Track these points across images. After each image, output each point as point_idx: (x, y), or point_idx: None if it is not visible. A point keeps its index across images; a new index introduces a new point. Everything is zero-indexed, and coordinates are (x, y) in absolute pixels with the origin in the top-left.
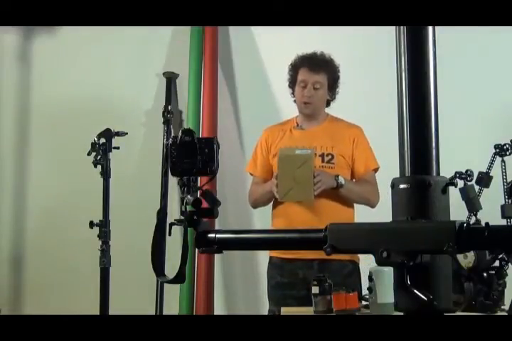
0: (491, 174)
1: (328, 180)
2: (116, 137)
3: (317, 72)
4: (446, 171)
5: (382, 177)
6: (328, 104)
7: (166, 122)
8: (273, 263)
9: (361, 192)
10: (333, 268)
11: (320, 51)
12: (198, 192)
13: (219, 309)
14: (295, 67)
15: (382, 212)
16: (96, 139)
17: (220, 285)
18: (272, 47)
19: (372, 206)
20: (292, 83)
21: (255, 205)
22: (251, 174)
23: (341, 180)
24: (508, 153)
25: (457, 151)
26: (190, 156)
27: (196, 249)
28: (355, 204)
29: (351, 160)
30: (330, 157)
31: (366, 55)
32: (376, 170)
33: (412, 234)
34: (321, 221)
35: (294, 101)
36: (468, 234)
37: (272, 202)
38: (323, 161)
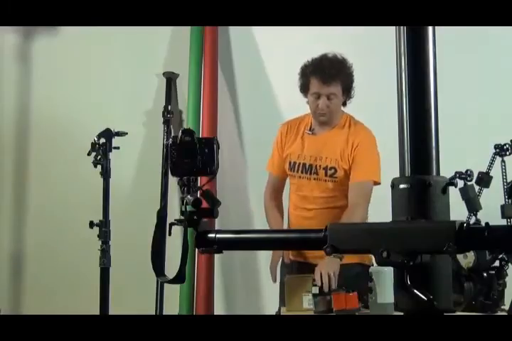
0: (491, 174)
1: (330, 267)
2: (116, 137)
3: (330, 83)
4: (446, 171)
5: (382, 177)
6: (344, 103)
7: (166, 122)
8: (284, 263)
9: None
10: (342, 271)
11: (331, 54)
12: (198, 192)
13: (219, 309)
14: (306, 75)
15: (382, 212)
16: (96, 139)
17: (220, 285)
18: (271, 47)
19: None
20: (304, 90)
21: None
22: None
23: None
24: (508, 153)
25: (457, 151)
26: (190, 156)
27: (196, 249)
28: None
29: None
30: (333, 171)
31: (366, 55)
32: (375, 183)
33: (412, 234)
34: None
35: (307, 102)
36: (468, 234)
37: None
38: (326, 175)
